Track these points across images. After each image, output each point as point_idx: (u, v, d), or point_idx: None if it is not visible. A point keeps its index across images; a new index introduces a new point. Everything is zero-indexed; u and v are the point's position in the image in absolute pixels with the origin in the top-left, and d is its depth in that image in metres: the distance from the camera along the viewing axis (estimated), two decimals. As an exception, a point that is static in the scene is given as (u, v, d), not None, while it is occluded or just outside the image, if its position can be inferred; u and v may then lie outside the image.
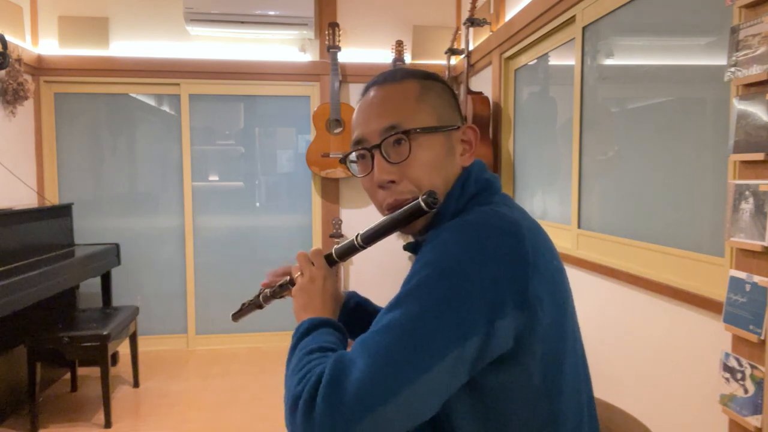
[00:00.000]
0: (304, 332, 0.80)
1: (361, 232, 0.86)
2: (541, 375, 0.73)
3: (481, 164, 0.89)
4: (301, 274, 0.90)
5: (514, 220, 0.74)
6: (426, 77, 0.87)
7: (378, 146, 0.82)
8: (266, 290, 1.01)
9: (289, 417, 0.67)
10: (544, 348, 0.72)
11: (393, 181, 0.82)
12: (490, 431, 0.75)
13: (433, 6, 3.87)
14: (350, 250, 0.87)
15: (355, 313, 1.04)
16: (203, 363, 3.51)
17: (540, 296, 0.71)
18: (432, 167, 0.82)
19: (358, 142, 0.85)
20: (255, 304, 1.03)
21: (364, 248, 0.86)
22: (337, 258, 0.90)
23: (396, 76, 0.86)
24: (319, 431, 0.62)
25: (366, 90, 0.88)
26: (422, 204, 0.77)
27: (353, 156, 0.88)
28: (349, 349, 0.72)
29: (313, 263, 0.90)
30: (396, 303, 0.70)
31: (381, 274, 3.88)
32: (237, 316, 1.07)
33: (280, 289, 0.98)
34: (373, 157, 0.83)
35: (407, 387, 0.63)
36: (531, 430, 0.75)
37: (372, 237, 0.84)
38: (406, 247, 0.90)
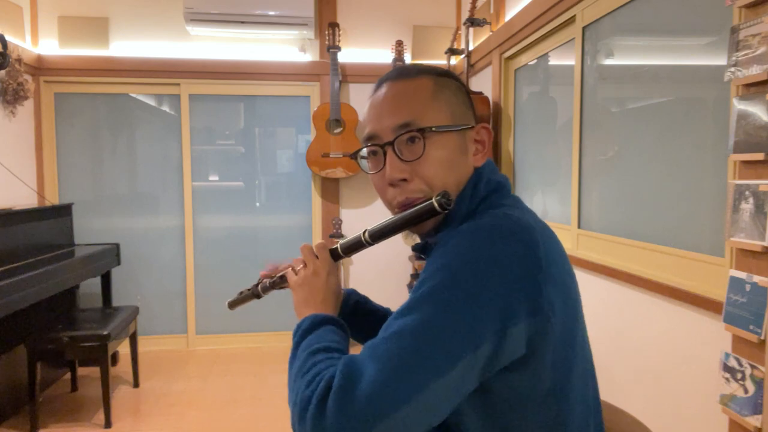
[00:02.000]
0: (306, 330, 0.79)
1: (368, 228, 0.84)
2: (550, 379, 0.72)
3: (493, 165, 0.87)
4: (305, 266, 0.88)
5: (527, 225, 0.73)
6: (441, 74, 0.85)
7: (391, 143, 0.80)
8: (265, 280, 0.99)
9: (298, 421, 0.66)
10: (555, 353, 0.72)
11: (405, 179, 0.80)
12: None
13: (433, 6, 3.87)
14: (356, 246, 0.86)
15: (355, 312, 1.03)
16: (203, 363, 3.51)
17: (552, 302, 0.70)
18: (445, 166, 0.80)
19: (370, 138, 0.83)
20: (253, 294, 1.01)
21: (370, 245, 0.85)
22: (342, 253, 0.88)
23: (410, 72, 0.84)
24: None
25: (379, 85, 0.85)
26: (435, 205, 0.76)
27: (364, 152, 0.86)
28: (351, 352, 0.72)
29: (317, 257, 0.88)
30: (407, 308, 0.69)
31: (381, 275, 3.88)
32: (233, 304, 1.05)
33: (281, 280, 0.96)
34: (385, 154, 0.82)
35: (418, 394, 0.62)
36: None
37: (380, 234, 0.83)
38: (415, 248, 0.89)
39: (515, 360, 0.69)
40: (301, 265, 0.89)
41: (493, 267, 0.68)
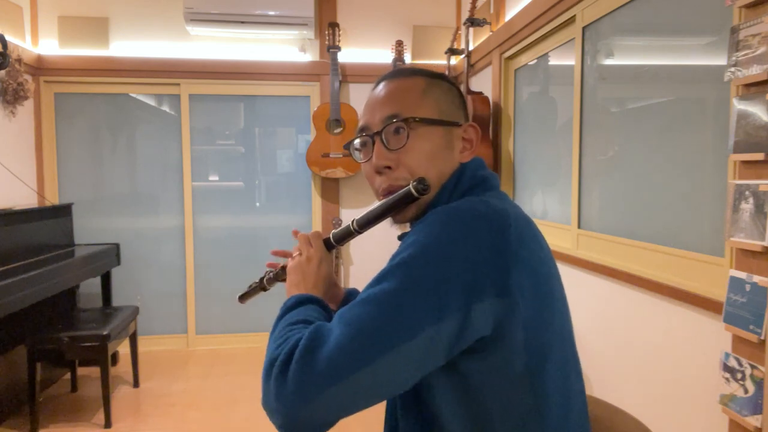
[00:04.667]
0: (290, 306, 0.82)
1: (356, 217, 0.90)
2: (523, 364, 0.74)
3: (480, 161, 0.90)
4: (300, 253, 0.93)
5: (501, 209, 0.76)
6: (434, 76, 0.90)
7: (379, 133, 0.85)
8: (269, 272, 1.04)
9: (264, 379, 0.69)
10: (527, 337, 0.73)
11: (389, 167, 0.85)
12: (473, 417, 0.76)
13: (433, 6, 3.87)
14: (346, 235, 0.92)
15: None
16: (203, 363, 3.51)
17: (521, 285, 0.72)
18: (428, 158, 0.84)
19: (362, 130, 0.89)
20: (260, 287, 1.06)
21: (359, 233, 0.90)
22: (334, 242, 0.94)
23: (406, 71, 0.90)
24: (290, 395, 0.64)
25: (377, 83, 0.92)
26: (412, 190, 0.80)
27: (357, 143, 0.91)
28: None
29: (311, 244, 0.93)
30: (377, 279, 0.72)
31: (379, 268, 3.87)
32: (243, 297, 1.10)
33: (282, 271, 1.01)
34: (374, 144, 0.87)
35: (378, 358, 0.65)
36: (513, 418, 0.75)
37: (366, 222, 0.88)
38: (400, 237, 0.91)
39: (483, 340, 0.71)
40: (297, 252, 0.94)
41: (461, 245, 0.71)
